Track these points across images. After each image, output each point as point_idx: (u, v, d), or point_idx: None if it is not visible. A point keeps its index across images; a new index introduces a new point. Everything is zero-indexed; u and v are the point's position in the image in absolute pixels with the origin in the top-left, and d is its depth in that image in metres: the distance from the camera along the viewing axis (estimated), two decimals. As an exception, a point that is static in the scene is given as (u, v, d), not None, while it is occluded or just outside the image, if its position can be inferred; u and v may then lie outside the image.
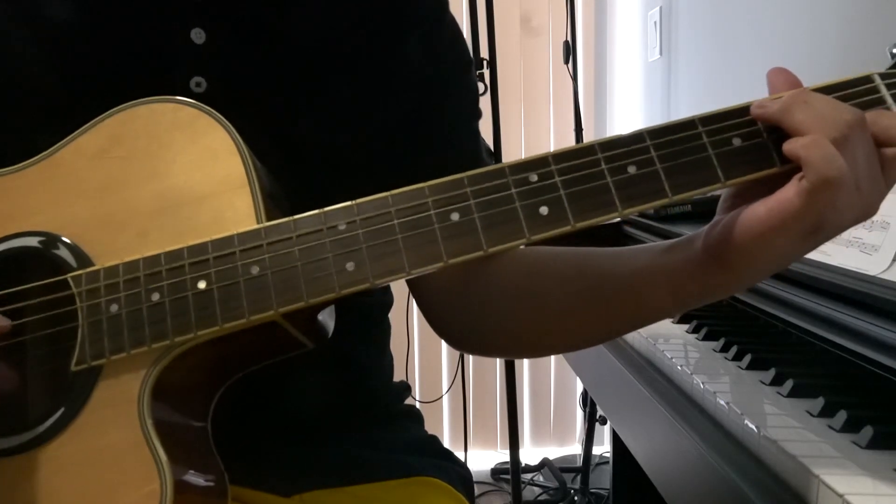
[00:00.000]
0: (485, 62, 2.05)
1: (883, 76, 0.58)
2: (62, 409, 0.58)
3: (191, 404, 0.61)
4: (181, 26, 0.69)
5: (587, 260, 0.70)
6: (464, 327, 0.80)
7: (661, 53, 2.33)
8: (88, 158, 0.62)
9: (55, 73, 0.69)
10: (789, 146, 0.54)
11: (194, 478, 0.58)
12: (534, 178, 0.57)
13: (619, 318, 0.70)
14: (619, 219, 0.56)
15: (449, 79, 0.80)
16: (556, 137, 2.82)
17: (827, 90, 0.58)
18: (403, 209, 0.57)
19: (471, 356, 2.76)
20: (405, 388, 0.94)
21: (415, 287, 0.80)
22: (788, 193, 0.53)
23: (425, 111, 0.78)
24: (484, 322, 0.77)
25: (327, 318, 0.68)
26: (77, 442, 0.57)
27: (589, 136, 2.61)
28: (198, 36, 0.69)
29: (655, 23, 2.34)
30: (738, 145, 0.56)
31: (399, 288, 0.80)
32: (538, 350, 0.82)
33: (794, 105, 0.55)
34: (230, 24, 0.71)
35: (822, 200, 0.53)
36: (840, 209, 0.54)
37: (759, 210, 0.55)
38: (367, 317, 0.85)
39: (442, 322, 0.81)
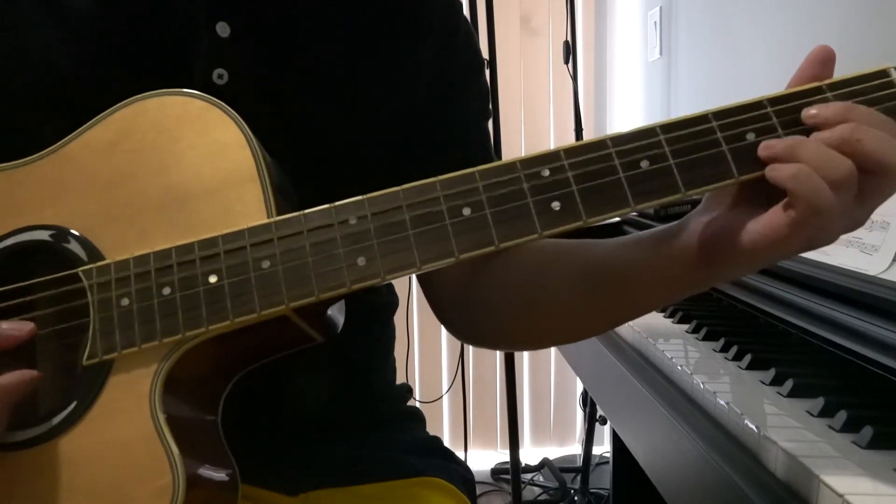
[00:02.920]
0: (485, 62, 2.05)
1: None
2: (74, 403, 0.58)
3: (201, 398, 0.62)
4: (207, 19, 0.70)
5: (585, 253, 0.71)
6: (469, 319, 0.80)
7: (661, 53, 2.33)
8: (98, 152, 0.62)
9: (78, 62, 0.69)
10: (774, 174, 0.54)
11: (206, 472, 0.58)
12: (545, 173, 0.56)
13: (615, 310, 0.71)
14: (632, 214, 0.56)
15: (462, 80, 0.81)
16: (556, 137, 2.81)
17: (843, 84, 0.57)
18: (414, 204, 0.57)
19: (471, 356, 2.76)
20: (407, 391, 0.94)
21: (423, 280, 0.81)
22: (779, 222, 0.53)
23: (438, 109, 0.78)
24: (489, 314, 0.77)
25: (337, 313, 0.68)
26: (89, 436, 0.57)
27: (589, 137, 2.61)
28: (223, 29, 0.70)
29: (655, 23, 2.35)
30: (752, 140, 0.56)
31: (399, 288, 0.81)
32: (541, 342, 0.84)
33: (801, 145, 0.54)
34: (255, 18, 0.71)
35: (811, 229, 0.53)
36: (829, 230, 0.54)
37: (754, 231, 0.55)
38: (373, 318, 0.85)
39: (449, 314, 0.82)
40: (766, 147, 0.55)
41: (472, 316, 0.79)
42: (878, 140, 0.52)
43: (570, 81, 2.44)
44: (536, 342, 0.86)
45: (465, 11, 2.17)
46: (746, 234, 0.55)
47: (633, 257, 0.65)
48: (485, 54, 2.05)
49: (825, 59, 0.58)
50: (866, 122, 0.54)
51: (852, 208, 0.54)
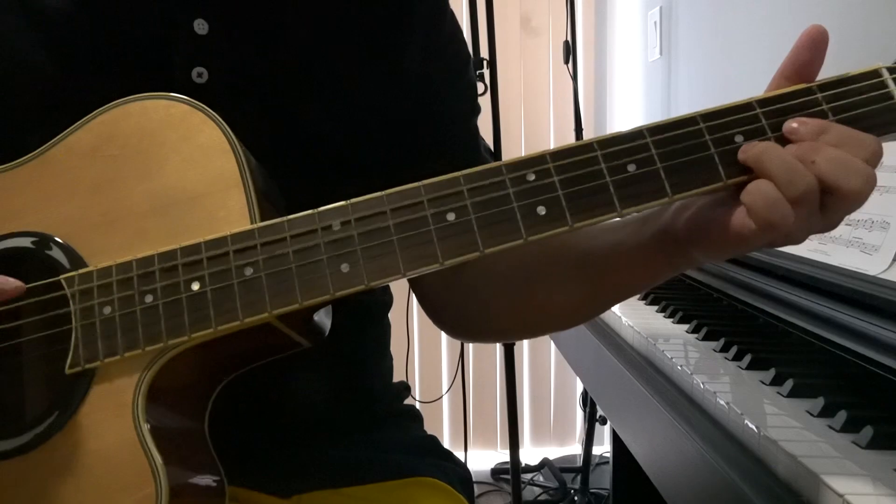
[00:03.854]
0: (485, 62, 2.04)
1: (891, 70, 0.57)
2: (57, 413, 0.57)
3: (186, 405, 0.61)
4: (184, 17, 0.69)
5: (574, 241, 0.70)
6: (454, 312, 0.81)
7: (661, 53, 2.32)
8: (80, 157, 0.62)
9: (56, 62, 0.68)
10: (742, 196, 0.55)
11: (191, 479, 0.58)
12: (531, 176, 0.56)
13: (602, 295, 0.72)
14: (618, 219, 0.56)
15: (448, 76, 0.80)
16: (556, 137, 2.81)
17: (834, 84, 0.57)
18: (398, 209, 0.56)
19: (471, 357, 2.76)
20: (405, 389, 0.94)
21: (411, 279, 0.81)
22: (742, 228, 0.54)
23: (425, 107, 0.78)
24: (482, 307, 0.77)
25: (323, 318, 0.67)
26: (72, 445, 0.56)
27: (589, 137, 2.61)
28: (200, 27, 0.69)
29: (655, 23, 2.34)
30: (740, 143, 0.55)
31: (399, 287, 0.80)
32: (533, 331, 0.85)
33: (768, 153, 0.55)
34: (233, 15, 0.71)
35: (768, 237, 0.54)
36: (792, 236, 0.55)
37: (726, 228, 0.55)
38: (366, 316, 0.85)
39: (438, 309, 0.82)
40: (742, 151, 0.56)
41: (464, 311, 0.80)
42: (834, 162, 0.53)
43: (570, 81, 2.43)
44: (529, 331, 0.87)
45: (465, 11, 2.17)
46: (718, 227, 0.56)
47: (620, 239, 0.66)
48: (485, 54, 2.06)
49: (817, 42, 0.58)
50: (836, 142, 0.54)
51: (817, 218, 0.55)
